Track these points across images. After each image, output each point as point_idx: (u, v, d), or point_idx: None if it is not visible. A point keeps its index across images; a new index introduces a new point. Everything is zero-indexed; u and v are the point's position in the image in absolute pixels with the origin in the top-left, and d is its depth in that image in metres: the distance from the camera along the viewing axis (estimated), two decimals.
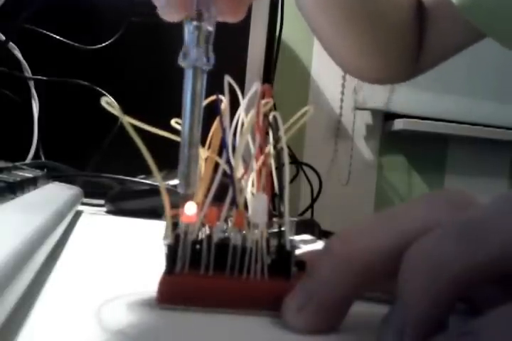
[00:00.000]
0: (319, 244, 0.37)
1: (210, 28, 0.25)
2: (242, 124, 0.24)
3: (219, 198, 0.21)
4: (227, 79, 0.22)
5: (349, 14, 0.49)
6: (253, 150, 0.23)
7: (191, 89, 0.24)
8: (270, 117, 0.23)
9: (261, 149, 0.22)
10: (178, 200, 0.22)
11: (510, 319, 0.14)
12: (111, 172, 0.59)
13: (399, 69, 0.56)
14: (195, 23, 0.24)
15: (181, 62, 0.24)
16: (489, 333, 0.14)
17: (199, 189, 0.23)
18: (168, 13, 0.26)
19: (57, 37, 0.78)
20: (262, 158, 0.22)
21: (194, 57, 0.24)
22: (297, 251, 0.22)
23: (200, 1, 0.25)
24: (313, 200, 0.99)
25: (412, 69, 0.56)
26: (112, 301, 0.21)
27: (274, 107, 0.24)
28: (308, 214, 0.96)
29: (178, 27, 0.26)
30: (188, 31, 0.24)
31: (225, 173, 0.21)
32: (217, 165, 0.22)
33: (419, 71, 0.56)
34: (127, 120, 0.20)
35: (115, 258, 0.30)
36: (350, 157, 1.21)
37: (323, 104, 1.19)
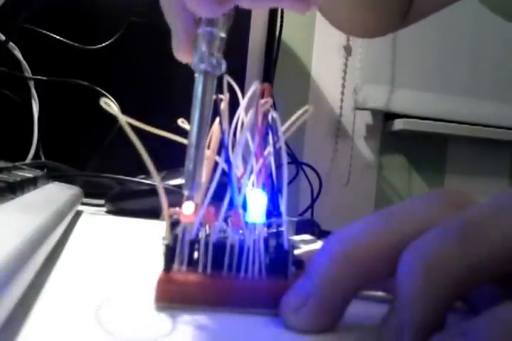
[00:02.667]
0: (319, 244, 0.37)
1: (223, 35, 0.25)
2: (242, 124, 0.24)
3: (220, 198, 0.21)
4: (227, 78, 0.22)
5: None
6: (253, 149, 0.23)
7: (201, 94, 0.24)
8: (269, 117, 0.23)
9: (260, 149, 0.22)
10: (177, 200, 0.22)
11: (504, 319, 0.14)
12: (111, 172, 0.59)
13: (387, 23, 0.56)
14: (209, 28, 0.24)
15: (193, 67, 0.24)
16: (483, 334, 0.14)
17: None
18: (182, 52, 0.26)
19: (57, 37, 0.78)
20: (261, 157, 0.22)
21: (206, 63, 0.24)
22: (296, 251, 0.22)
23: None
24: (313, 200, 0.98)
25: (398, 23, 0.56)
26: (111, 301, 0.21)
27: (274, 107, 0.24)
28: (308, 214, 0.96)
29: None
30: (202, 37, 0.24)
31: (224, 173, 0.21)
32: (216, 165, 0.22)
33: (405, 24, 0.56)
34: (125, 120, 0.20)
35: (115, 258, 0.30)
36: (350, 157, 1.21)
37: (323, 104, 1.19)
